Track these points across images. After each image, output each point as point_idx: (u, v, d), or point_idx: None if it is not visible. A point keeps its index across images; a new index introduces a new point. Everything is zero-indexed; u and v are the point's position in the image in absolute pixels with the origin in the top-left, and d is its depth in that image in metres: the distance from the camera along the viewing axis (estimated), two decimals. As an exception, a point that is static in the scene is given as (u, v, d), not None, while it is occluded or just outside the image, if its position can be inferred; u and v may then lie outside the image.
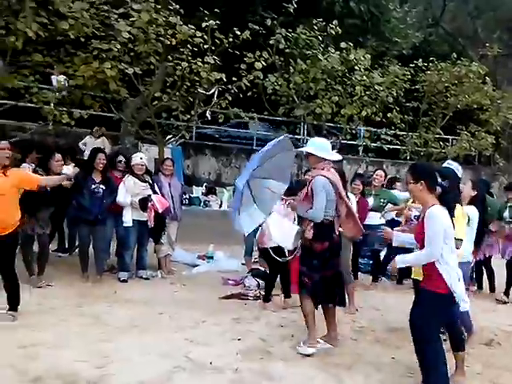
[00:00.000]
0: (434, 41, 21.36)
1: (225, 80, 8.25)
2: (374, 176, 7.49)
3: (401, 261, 3.86)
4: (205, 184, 13.63)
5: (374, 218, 7.17)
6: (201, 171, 14.41)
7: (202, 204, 12.60)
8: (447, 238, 3.64)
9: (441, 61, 11.41)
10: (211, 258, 8.64)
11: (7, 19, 6.39)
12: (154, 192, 7.12)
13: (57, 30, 6.84)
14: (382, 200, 7.25)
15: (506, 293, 7.22)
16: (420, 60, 11.01)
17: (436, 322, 3.74)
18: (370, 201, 7.26)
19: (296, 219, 5.57)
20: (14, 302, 5.02)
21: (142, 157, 7.21)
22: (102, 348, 4.30)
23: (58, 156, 6.70)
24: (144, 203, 6.92)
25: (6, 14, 6.40)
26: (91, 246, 6.94)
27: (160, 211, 7.07)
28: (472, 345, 4.85)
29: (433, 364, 3.66)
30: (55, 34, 6.90)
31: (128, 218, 6.93)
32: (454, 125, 12.47)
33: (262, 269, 7.49)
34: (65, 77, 8.32)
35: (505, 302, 7.10)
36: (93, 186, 6.73)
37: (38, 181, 5.38)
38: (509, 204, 7.36)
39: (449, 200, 3.85)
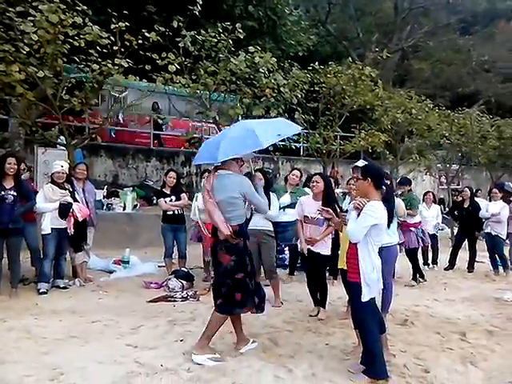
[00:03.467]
0: (319, 42, 22.64)
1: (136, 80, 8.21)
2: (290, 175, 7.89)
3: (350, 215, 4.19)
4: (105, 186, 13.30)
5: (289, 215, 7.56)
6: (96, 173, 14.05)
7: (104, 207, 12.31)
8: (381, 230, 4.09)
9: (336, 63, 12.22)
10: (127, 262, 8.55)
11: None
12: (75, 200, 6.94)
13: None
14: (298, 197, 7.66)
15: (414, 278, 8.17)
16: (316, 63, 11.69)
17: (363, 307, 4.12)
18: (287, 198, 7.65)
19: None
20: None
21: (63, 165, 6.97)
22: (48, 361, 4.20)
23: None
24: (64, 210, 6.72)
25: None
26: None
27: (80, 219, 6.92)
28: (388, 325, 5.40)
29: (371, 345, 4.09)
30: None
31: (46, 225, 6.69)
32: (350, 123, 13.42)
33: (185, 269, 7.64)
34: None
35: (412, 286, 8.02)
36: (2, 193, 6.38)
37: None
38: (402, 197, 8.14)
39: (390, 198, 4.34)
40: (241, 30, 9.48)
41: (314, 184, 5.98)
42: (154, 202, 14.20)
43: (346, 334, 5.20)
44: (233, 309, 4.46)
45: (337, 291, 6.53)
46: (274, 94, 9.69)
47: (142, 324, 5.42)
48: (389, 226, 4.56)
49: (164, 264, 8.15)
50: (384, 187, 4.30)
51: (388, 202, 4.41)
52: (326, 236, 5.98)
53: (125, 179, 15.10)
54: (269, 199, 6.45)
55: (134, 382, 3.87)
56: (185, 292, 6.87)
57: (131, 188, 13.83)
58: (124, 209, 12.63)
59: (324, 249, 5.99)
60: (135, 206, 13.06)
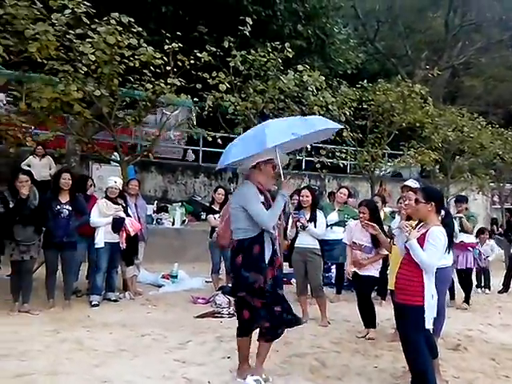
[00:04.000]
0: (367, 60, 22.58)
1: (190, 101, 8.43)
2: (338, 193, 7.87)
3: (412, 244, 4.03)
4: (155, 201, 13.59)
5: (337, 233, 7.51)
6: (147, 188, 14.38)
7: (154, 222, 12.56)
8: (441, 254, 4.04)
9: (385, 80, 12.14)
10: (175, 277, 8.68)
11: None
12: (127, 215, 7.14)
13: (22, 53, 6.76)
14: (346, 215, 7.63)
15: (466, 301, 7.91)
16: (365, 80, 11.66)
17: (418, 332, 4.04)
18: (334, 216, 7.62)
19: None
20: None
21: (117, 180, 7.21)
22: (99, 373, 4.30)
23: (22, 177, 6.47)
24: (117, 225, 6.92)
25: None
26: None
27: (132, 234, 7.12)
28: (440, 350, 5.25)
29: (423, 370, 3.98)
30: (20, 57, 6.80)
31: (100, 239, 6.90)
32: (399, 141, 13.26)
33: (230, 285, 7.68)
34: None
35: (465, 309, 7.76)
36: (57, 207, 6.62)
37: None
38: (458, 215, 7.94)
39: (450, 222, 4.29)
40: (290, 49, 9.56)
41: (361, 215, 5.94)
42: (202, 217, 14.42)
43: (394, 357, 5.09)
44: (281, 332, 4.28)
45: (384, 312, 6.41)
46: (323, 112, 9.70)
47: (189, 339, 5.48)
48: (448, 250, 4.46)
49: (211, 279, 8.24)
50: (443, 211, 4.25)
51: (448, 226, 4.34)
52: (374, 262, 5.93)
53: (174, 195, 15.39)
54: (315, 217, 6.47)
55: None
56: (231, 308, 6.89)
57: (180, 203, 14.07)
58: (173, 224, 12.83)
59: (372, 271, 5.92)
60: (183, 221, 13.26)
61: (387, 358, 5.15)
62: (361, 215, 5.94)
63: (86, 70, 7.37)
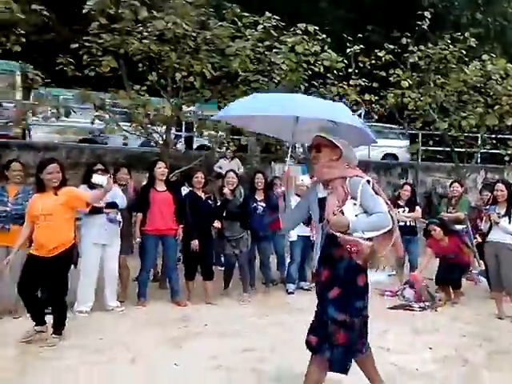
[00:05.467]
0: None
1: (373, 100, 8.70)
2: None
3: None
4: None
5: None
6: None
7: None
8: None
9: None
10: (360, 270, 8.98)
11: (188, 63, 7.23)
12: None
13: (225, 68, 7.64)
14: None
15: None
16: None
17: None
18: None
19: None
20: (60, 325, 4.98)
21: (304, 179, 7.77)
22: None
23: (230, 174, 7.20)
24: (307, 220, 7.46)
25: (186, 58, 7.23)
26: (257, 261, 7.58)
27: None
28: None
29: None
30: (223, 72, 7.69)
31: (294, 233, 7.49)
32: None
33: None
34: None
35: None
36: (254, 205, 7.37)
37: (87, 198, 5.14)
38: None
39: None
40: (473, 39, 9.29)
41: None
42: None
43: None
44: None
45: None
46: (510, 102, 9.26)
47: (387, 329, 5.73)
48: None
49: (394, 273, 8.41)
50: None
51: None
52: None
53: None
54: (511, 212, 6.27)
55: (393, 383, 4.18)
56: (422, 303, 7.01)
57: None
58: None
59: None
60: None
61: None
62: None
63: (278, 79, 8.01)
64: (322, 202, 3.35)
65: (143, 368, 4.30)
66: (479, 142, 11.29)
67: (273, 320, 6.01)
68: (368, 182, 3.26)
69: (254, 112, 3.48)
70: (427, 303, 6.98)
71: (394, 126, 13.53)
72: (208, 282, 6.78)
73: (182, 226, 6.65)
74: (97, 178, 4.94)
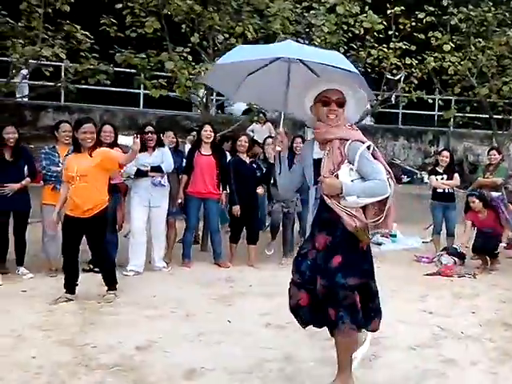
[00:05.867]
0: None
1: (414, 64, 8.59)
2: None
3: None
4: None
5: None
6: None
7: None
8: None
9: None
10: (395, 236, 9.08)
11: (229, 24, 7.20)
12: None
13: (265, 30, 7.59)
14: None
15: None
16: None
17: None
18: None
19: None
20: (111, 282, 5.14)
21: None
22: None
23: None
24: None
25: (227, 19, 7.19)
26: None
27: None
28: None
29: None
30: (263, 34, 7.64)
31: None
32: None
33: (456, 247, 7.82)
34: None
35: None
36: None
37: (119, 159, 5.09)
38: None
39: None
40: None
41: None
42: (404, 180, 14.58)
43: None
44: None
45: None
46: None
47: (427, 293, 5.84)
48: None
49: (428, 240, 8.47)
50: None
51: None
52: None
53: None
54: None
55: (442, 343, 4.29)
56: (462, 270, 7.07)
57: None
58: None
59: None
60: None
61: None
62: None
63: (319, 40, 7.93)
64: (317, 164, 3.14)
65: (199, 324, 4.49)
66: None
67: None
68: (368, 147, 3.08)
69: (238, 58, 3.27)
70: (466, 269, 7.07)
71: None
72: (252, 246, 6.93)
73: (225, 191, 6.75)
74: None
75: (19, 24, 7.27)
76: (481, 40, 9.23)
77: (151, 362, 3.64)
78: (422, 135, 16.16)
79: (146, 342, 3.99)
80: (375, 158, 3.09)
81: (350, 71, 3.10)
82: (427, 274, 6.89)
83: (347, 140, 3.05)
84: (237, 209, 6.72)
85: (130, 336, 4.10)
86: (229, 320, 4.61)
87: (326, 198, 3.01)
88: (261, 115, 11.63)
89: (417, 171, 15.15)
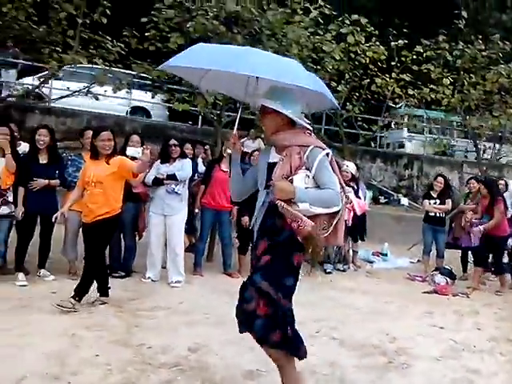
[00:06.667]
0: None
1: (416, 95, 9.14)
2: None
3: None
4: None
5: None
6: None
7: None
8: None
9: None
10: (386, 255, 9.53)
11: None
12: (358, 197, 8.10)
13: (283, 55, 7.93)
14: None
15: None
16: None
17: None
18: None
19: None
20: (103, 289, 5.16)
21: (349, 165, 8.18)
22: (380, 326, 5.25)
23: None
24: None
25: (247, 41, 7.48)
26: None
27: (359, 213, 8.05)
28: None
29: None
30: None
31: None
32: None
33: (448, 267, 8.31)
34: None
35: None
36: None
37: (133, 168, 5.07)
38: None
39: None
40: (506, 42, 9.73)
41: None
42: (381, 201, 15.16)
43: None
44: None
45: None
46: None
47: (431, 311, 6.20)
48: None
49: (415, 260, 9.06)
50: None
51: None
52: None
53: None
54: None
55: (460, 356, 4.62)
56: (457, 291, 7.48)
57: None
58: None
59: None
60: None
61: None
62: None
63: (331, 67, 8.33)
64: (271, 168, 3.06)
65: (234, 329, 4.67)
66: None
67: (324, 294, 6.47)
68: (327, 154, 3.05)
69: (202, 65, 3.15)
70: (459, 289, 7.52)
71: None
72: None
73: (236, 206, 6.97)
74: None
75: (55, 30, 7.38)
76: (473, 76, 9.84)
77: (207, 363, 3.84)
78: (397, 159, 16.87)
79: (195, 344, 4.18)
80: (332, 170, 3.05)
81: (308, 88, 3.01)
82: (425, 292, 7.31)
83: (308, 146, 3.02)
84: (246, 219, 6.89)
85: (177, 338, 4.29)
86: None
87: (278, 202, 2.91)
88: (252, 130, 11.92)
89: (393, 193, 15.79)
